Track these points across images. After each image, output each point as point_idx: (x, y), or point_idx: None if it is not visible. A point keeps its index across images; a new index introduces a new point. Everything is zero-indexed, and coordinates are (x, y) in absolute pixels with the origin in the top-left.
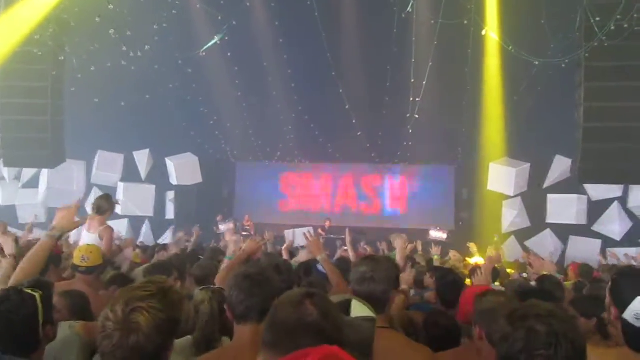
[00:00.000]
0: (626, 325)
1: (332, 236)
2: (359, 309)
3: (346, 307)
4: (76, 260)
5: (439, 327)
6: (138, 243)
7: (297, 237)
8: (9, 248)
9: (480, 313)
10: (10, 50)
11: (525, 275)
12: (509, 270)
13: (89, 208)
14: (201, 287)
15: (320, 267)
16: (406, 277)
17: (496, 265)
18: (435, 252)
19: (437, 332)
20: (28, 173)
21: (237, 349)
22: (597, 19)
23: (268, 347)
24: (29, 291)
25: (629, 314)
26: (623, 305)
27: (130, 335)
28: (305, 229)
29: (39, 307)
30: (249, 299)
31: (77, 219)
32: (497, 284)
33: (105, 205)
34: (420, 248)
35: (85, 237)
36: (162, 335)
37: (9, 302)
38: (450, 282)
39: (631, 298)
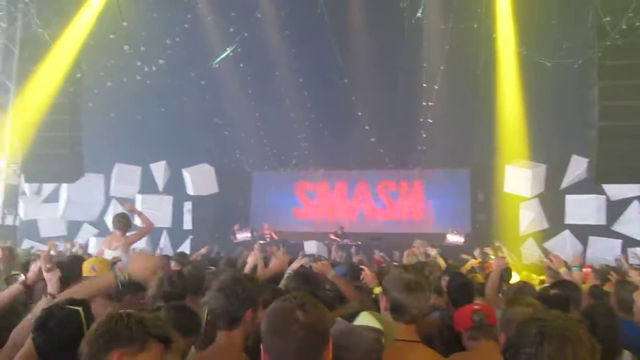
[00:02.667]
0: None
1: (347, 242)
2: (364, 320)
3: (353, 316)
4: (86, 271)
5: (453, 330)
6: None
7: (314, 248)
8: (52, 286)
9: (506, 321)
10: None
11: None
12: (524, 273)
13: (108, 221)
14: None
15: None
16: None
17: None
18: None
19: (450, 335)
20: (48, 188)
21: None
22: (608, 18)
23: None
24: (72, 307)
25: None
26: None
27: None
28: (311, 242)
29: (84, 321)
30: (218, 307)
31: (153, 273)
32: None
33: (125, 223)
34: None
35: (107, 254)
36: None
37: (56, 318)
38: (459, 284)
39: None
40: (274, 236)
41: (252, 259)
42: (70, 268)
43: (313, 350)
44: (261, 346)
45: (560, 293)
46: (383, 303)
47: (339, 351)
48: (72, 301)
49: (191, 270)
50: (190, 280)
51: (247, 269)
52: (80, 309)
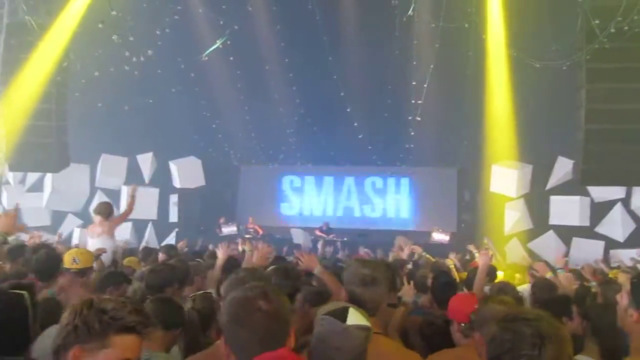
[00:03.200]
0: None
1: (333, 237)
2: (354, 317)
3: (343, 314)
4: (67, 263)
5: (435, 327)
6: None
7: (301, 237)
8: None
9: (480, 319)
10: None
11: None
12: (508, 272)
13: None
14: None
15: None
16: (407, 289)
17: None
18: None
19: (432, 332)
20: (32, 177)
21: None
22: (597, 21)
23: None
24: (16, 291)
25: None
26: None
27: None
28: (299, 231)
29: (29, 305)
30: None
31: (18, 224)
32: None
33: (106, 207)
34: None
35: (91, 243)
36: None
37: (2, 302)
38: (443, 283)
39: None
40: (259, 230)
41: (221, 256)
42: (47, 263)
43: (277, 338)
44: (222, 337)
45: (560, 297)
46: (343, 296)
47: (332, 351)
48: (17, 285)
49: (176, 262)
50: (175, 272)
51: (217, 266)
52: (25, 292)
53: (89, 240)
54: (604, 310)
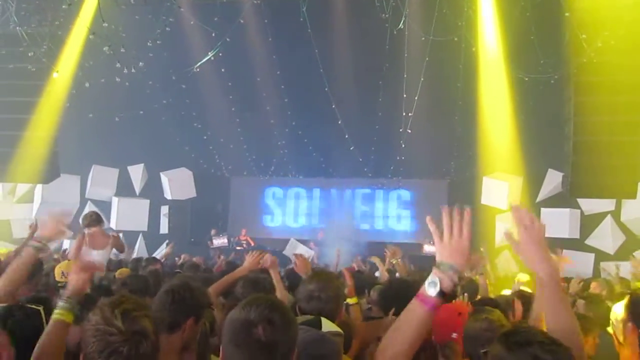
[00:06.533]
0: None
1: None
2: (327, 325)
3: (317, 323)
4: (57, 276)
5: None
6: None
7: (298, 248)
8: None
9: (469, 339)
10: None
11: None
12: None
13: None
14: None
15: None
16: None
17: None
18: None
19: None
20: (22, 188)
21: None
22: (584, 36)
23: None
24: (32, 306)
25: None
26: None
27: (140, 344)
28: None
29: (44, 322)
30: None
31: (65, 230)
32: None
33: (98, 215)
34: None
35: (96, 254)
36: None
37: (14, 317)
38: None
39: None
40: (251, 242)
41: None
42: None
43: None
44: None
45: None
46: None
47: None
48: (36, 299)
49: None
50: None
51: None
52: (41, 308)
53: (93, 252)
54: None
